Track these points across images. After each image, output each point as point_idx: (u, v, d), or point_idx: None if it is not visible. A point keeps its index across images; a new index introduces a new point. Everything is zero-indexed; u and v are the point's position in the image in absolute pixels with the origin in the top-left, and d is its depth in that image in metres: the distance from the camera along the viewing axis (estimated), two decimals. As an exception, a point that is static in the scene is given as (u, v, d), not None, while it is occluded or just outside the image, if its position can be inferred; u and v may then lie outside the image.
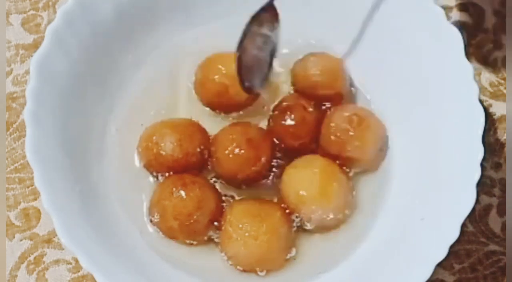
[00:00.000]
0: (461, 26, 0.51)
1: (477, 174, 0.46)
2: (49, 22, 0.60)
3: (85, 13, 0.52)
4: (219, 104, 0.55)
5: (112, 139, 0.54)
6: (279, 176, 0.53)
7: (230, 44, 0.54)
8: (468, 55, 0.50)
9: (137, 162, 0.54)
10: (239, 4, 0.56)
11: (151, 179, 0.53)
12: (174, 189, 0.50)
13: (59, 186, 0.47)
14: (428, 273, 0.44)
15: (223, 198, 0.53)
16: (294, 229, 0.51)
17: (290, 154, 0.53)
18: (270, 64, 0.54)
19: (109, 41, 0.54)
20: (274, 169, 0.53)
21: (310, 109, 0.54)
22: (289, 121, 0.53)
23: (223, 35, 0.56)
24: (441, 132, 0.50)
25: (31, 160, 0.46)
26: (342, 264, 0.50)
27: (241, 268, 0.50)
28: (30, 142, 0.46)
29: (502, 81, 0.60)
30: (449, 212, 0.46)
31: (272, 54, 0.53)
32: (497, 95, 0.59)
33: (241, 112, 0.56)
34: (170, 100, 0.57)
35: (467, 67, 0.49)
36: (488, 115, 0.57)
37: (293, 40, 0.57)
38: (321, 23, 0.57)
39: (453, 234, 0.45)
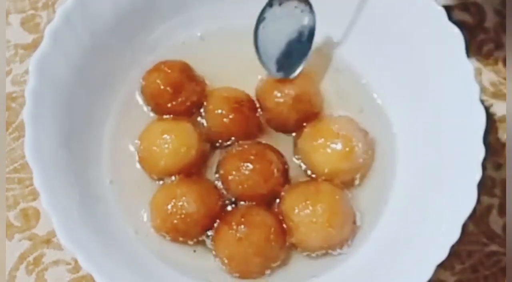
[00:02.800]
0: (462, 25, 0.51)
1: (478, 174, 0.46)
2: (48, 21, 0.59)
3: (85, 13, 0.52)
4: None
5: (111, 139, 0.54)
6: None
7: (232, 44, 0.54)
8: (469, 54, 0.50)
9: (136, 162, 0.54)
10: (244, 5, 0.56)
11: (150, 180, 0.53)
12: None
13: (58, 186, 0.47)
14: (429, 274, 0.44)
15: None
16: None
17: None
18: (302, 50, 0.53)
19: (109, 41, 0.54)
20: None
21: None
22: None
23: (225, 34, 0.56)
24: (442, 133, 0.50)
25: (30, 160, 0.46)
26: (343, 264, 0.50)
27: (312, 253, 0.50)
28: (29, 142, 0.46)
29: (503, 80, 0.60)
30: (450, 212, 0.46)
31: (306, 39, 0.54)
32: (498, 95, 0.59)
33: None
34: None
35: (468, 67, 0.49)
36: (489, 115, 0.56)
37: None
38: (321, 24, 0.57)
39: (454, 235, 0.45)
